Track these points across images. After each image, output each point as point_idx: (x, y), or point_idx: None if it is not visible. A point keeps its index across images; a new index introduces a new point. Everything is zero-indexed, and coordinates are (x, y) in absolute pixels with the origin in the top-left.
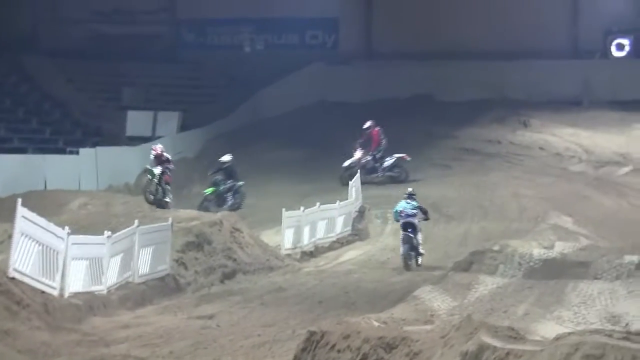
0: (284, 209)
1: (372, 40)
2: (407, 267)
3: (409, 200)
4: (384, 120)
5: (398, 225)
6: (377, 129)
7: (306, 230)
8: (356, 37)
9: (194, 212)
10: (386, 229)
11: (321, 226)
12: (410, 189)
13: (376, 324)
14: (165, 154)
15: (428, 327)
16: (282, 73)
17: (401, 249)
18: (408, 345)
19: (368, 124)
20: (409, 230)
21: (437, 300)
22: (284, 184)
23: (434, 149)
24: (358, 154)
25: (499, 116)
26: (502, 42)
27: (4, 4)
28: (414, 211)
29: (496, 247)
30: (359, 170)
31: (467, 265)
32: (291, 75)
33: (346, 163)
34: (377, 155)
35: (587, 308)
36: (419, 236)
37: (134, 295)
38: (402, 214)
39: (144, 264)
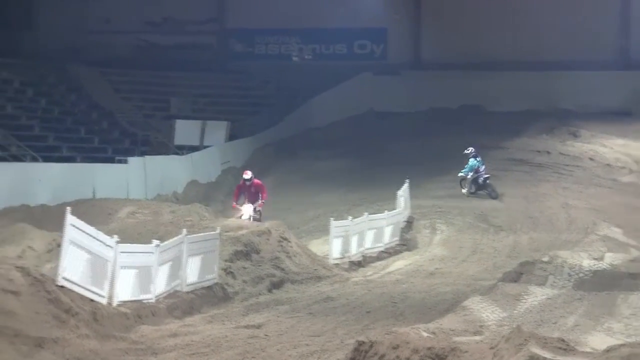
0: (332, 219)
1: (421, 50)
2: None
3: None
4: (432, 130)
5: (446, 235)
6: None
7: (354, 240)
8: (405, 47)
9: (242, 221)
10: (434, 239)
11: (369, 236)
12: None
13: (425, 334)
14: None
15: (477, 338)
16: (330, 83)
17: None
18: (457, 356)
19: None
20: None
21: (486, 311)
22: (332, 194)
23: (482, 159)
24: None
25: (548, 127)
26: (552, 53)
27: (55, 14)
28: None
29: (545, 258)
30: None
31: (516, 276)
32: (339, 85)
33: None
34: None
35: (638, 320)
36: None
37: (182, 304)
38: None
39: (192, 272)
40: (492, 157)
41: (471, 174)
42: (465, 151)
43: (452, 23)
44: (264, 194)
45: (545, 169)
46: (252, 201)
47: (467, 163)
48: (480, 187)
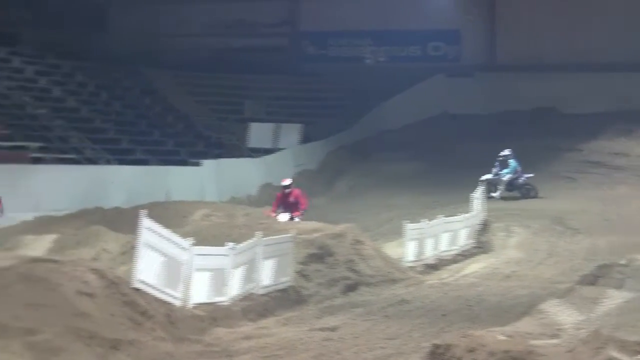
0: (406, 221)
1: (495, 52)
2: None
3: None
4: (506, 132)
5: (521, 238)
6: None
7: (429, 243)
8: (479, 49)
9: (316, 224)
10: (510, 241)
11: (444, 239)
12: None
13: (501, 337)
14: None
15: (554, 341)
16: (404, 85)
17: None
18: (534, 359)
19: None
20: None
21: (563, 314)
22: (407, 196)
23: (558, 161)
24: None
25: (625, 129)
26: (628, 53)
27: (128, 17)
28: None
29: (623, 261)
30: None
31: (593, 279)
32: (413, 87)
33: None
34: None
35: None
36: None
37: (257, 306)
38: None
39: (266, 275)
40: (567, 159)
41: (510, 175)
42: (503, 152)
43: (527, 24)
44: (303, 204)
45: (623, 172)
46: (290, 211)
47: (496, 166)
48: (514, 188)
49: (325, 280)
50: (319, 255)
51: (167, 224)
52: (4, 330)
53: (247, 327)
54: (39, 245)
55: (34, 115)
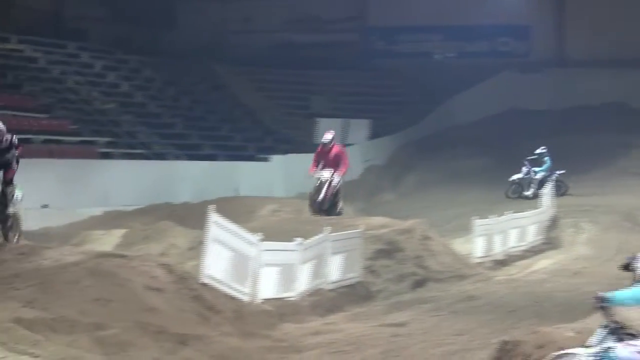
0: (475, 217)
1: (564, 48)
2: None
3: None
4: (575, 128)
5: (591, 234)
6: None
7: (497, 239)
8: (548, 44)
9: (384, 219)
10: (579, 238)
11: (513, 234)
12: None
13: (570, 333)
14: None
15: None
16: (473, 81)
17: None
18: None
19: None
20: None
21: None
22: (475, 192)
23: (628, 158)
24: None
25: None
26: None
27: (196, 13)
28: None
29: None
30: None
31: None
32: (482, 83)
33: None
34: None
35: None
36: None
37: (325, 302)
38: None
39: (334, 271)
40: (637, 155)
41: (543, 173)
42: (539, 150)
43: (597, 19)
44: (343, 166)
45: None
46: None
47: (525, 165)
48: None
49: (394, 276)
50: (388, 250)
51: (235, 219)
52: (73, 325)
53: (316, 323)
54: (108, 241)
55: (103, 111)
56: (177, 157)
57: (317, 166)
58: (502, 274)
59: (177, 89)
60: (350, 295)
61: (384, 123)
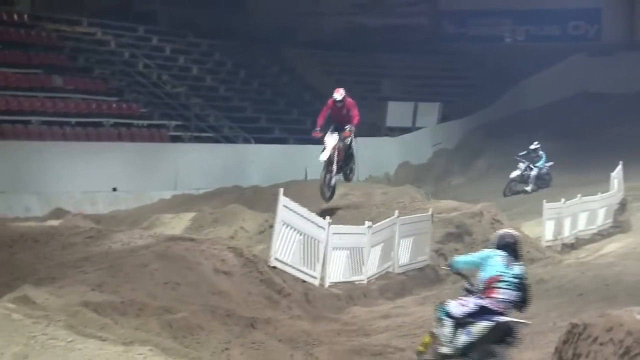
0: (544, 201)
1: (635, 31)
2: None
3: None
4: None
5: None
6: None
7: (567, 222)
8: (619, 28)
9: (454, 203)
10: None
11: (582, 218)
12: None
13: (639, 317)
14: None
15: None
16: (543, 64)
17: None
18: None
19: None
20: None
21: None
22: None
23: None
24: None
25: None
26: None
27: None
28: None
29: None
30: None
31: None
32: (552, 66)
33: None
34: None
35: None
36: None
37: (394, 285)
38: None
39: (403, 254)
40: None
41: (539, 168)
42: (533, 145)
43: None
44: (356, 117)
45: None
46: (341, 126)
47: (522, 161)
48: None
49: None
50: (457, 234)
51: (304, 203)
52: (141, 308)
53: (384, 306)
54: (177, 224)
55: (172, 94)
56: (247, 141)
57: (323, 120)
58: (571, 258)
59: (247, 72)
60: (419, 279)
61: (454, 107)
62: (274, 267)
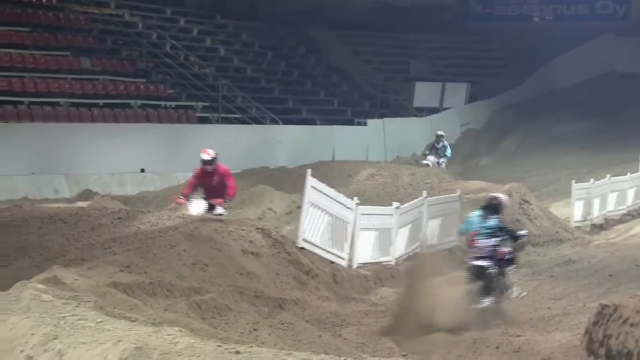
0: (573, 181)
1: None
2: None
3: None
4: None
5: None
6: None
7: (596, 203)
8: None
9: (482, 183)
10: None
11: (611, 198)
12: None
13: None
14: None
15: None
16: (572, 44)
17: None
18: None
19: None
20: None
21: None
22: (573, 156)
23: None
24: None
25: None
26: None
27: None
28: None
29: None
30: None
31: None
32: (581, 46)
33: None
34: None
35: None
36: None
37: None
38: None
39: (431, 235)
40: None
41: (446, 159)
42: (440, 132)
43: None
44: (232, 189)
45: None
46: (213, 196)
47: (432, 152)
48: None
49: None
50: None
51: (332, 184)
52: (170, 289)
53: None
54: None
55: (200, 75)
56: (274, 122)
57: (191, 190)
58: (600, 238)
59: (274, 53)
60: (447, 260)
61: (482, 87)
62: (302, 248)
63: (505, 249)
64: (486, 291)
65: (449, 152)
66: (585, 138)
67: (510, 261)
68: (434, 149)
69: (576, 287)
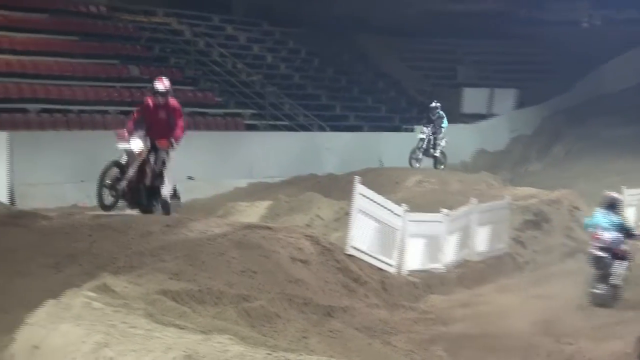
0: (624, 187)
1: None
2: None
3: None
4: None
5: None
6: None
7: None
8: None
9: (531, 190)
10: None
11: None
12: None
13: None
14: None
15: None
16: (621, 48)
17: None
18: None
19: None
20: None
21: None
22: (624, 161)
23: None
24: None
25: None
26: None
27: None
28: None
29: None
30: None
31: None
32: (631, 50)
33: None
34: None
35: None
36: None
37: (472, 273)
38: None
39: (481, 242)
40: None
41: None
42: (434, 104)
43: None
44: (179, 128)
45: None
46: (156, 135)
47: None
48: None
49: (541, 247)
50: (535, 221)
51: (380, 191)
52: (219, 297)
53: (463, 295)
54: (253, 212)
55: (247, 83)
56: (322, 129)
57: (134, 126)
58: None
59: (321, 60)
60: (497, 267)
61: (531, 92)
62: (351, 255)
63: (625, 246)
64: (602, 279)
65: (445, 123)
66: (636, 143)
67: (626, 257)
68: (430, 121)
69: (628, 294)
